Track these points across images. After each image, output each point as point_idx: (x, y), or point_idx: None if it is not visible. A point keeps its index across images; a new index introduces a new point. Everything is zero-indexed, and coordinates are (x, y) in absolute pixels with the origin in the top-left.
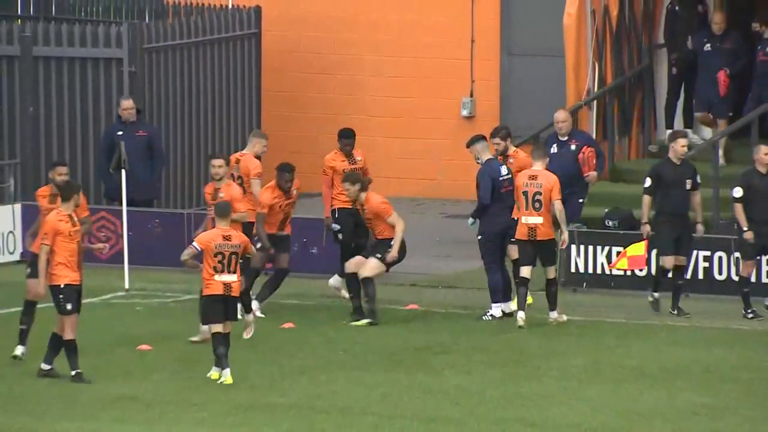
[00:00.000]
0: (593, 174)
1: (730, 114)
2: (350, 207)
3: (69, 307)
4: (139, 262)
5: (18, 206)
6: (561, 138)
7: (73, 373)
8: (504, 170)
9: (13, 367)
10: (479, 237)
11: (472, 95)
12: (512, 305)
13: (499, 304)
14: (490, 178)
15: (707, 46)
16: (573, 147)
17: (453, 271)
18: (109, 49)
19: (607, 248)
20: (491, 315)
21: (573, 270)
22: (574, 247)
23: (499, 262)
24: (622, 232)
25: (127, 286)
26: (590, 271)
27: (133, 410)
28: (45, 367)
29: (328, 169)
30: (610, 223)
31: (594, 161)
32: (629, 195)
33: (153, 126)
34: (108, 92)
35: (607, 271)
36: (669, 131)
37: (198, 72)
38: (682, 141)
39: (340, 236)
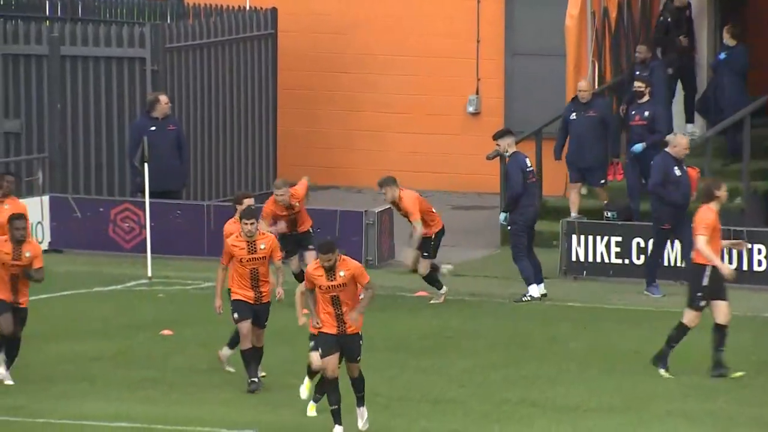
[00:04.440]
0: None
1: (603, 182)
2: None
3: None
4: (162, 252)
5: (46, 198)
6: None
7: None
8: (528, 162)
9: (38, 353)
10: (510, 227)
11: (477, 93)
12: (543, 288)
13: (533, 286)
14: (520, 170)
15: (573, 115)
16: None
17: (460, 260)
18: (132, 49)
19: (606, 238)
20: (530, 296)
21: (573, 259)
22: (574, 237)
23: (527, 249)
24: (620, 222)
25: (150, 274)
26: (590, 260)
27: (157, 392)
28: None
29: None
30: (609, 214)
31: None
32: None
33: (177, 120)
34: (131, 90)
35: (606, 260)
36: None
37: (217, 70)
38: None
39: None
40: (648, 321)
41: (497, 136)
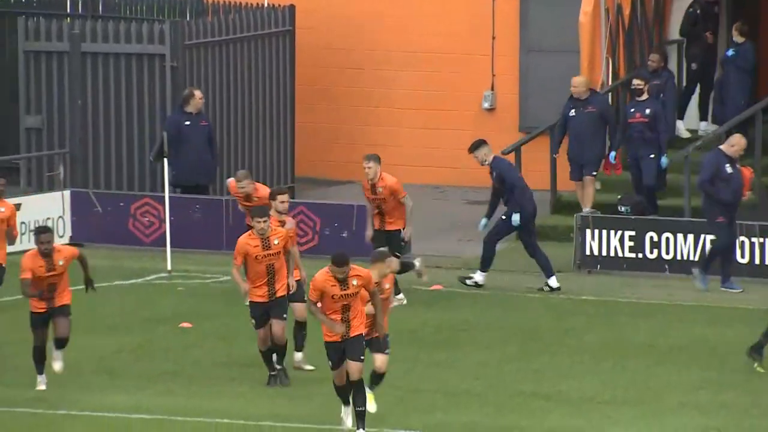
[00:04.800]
0: (749, 194)
1: (594, 173)
2: None
3: None
4: (181, 245)
5: (67, 193)
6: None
7: None
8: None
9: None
10: (518, 224)
11: (492, 89)
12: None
13: (552, 276)
14: (511, 168)
15: (572, 112)
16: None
17: (475, 255)
18: (152, 46)
19: (619, 233)
20: (549, 286)
21: (588, 252)
22: (588, 231)
23: (536, 241)
24: (633, 217)
25: (169, 267)
26: (603, 253)
27: (176, 384)
28: None
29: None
30: (623, 208)
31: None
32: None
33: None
34: (151, 86)
35: (620, 254)
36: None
37: (235, 67)
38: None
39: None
40: (661, 314)
41: (472, 149)
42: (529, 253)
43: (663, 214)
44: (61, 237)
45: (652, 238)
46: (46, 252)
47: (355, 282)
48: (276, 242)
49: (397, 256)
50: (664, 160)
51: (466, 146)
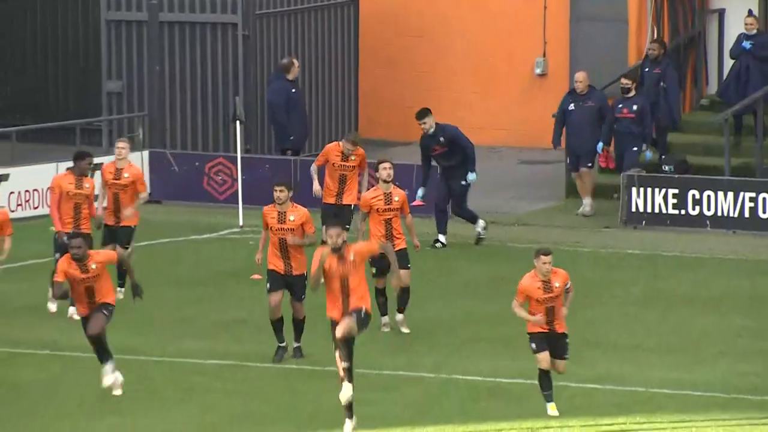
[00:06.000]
0: None
1: (589, 165)
2: (71, 231)
3: None
4: (252, 202)
5: (146, 153)
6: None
7: None
8: None
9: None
10: (467, 183)
11: (544, 55)
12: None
13: (480, 220)
14: (460, 132)
15: (571, 106)
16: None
17: (527, 211)
18: (225, 15)
19: (663, 190)
20: (479, 232)
21: (633, 210)
22: (634, 189)
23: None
24: (676, 175)
25: (241, 223)
26: (648, 210)
27: (246, 332)
28: None
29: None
30: (666, 167)
31: None
32: (683, 143)
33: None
34: (224, 53)
35: (663, 211)
36: None
37: (303, 35)
38: None
39: None
40: (702, 267)
41: (420, 117)
42: (455, 213)
43: (704, 173)
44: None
45: (694, 195)
46: (77, 257)
47: (352, 257)
48: (292, 218)
49: None
50: (648, 155)
51: (520, 110)
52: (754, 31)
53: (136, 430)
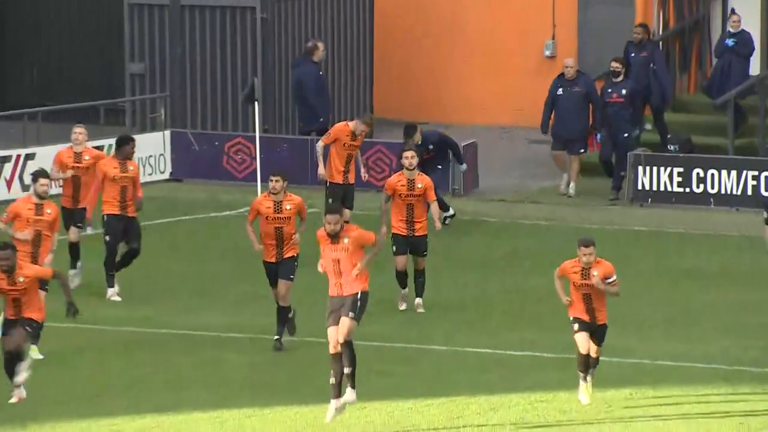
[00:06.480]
0: None
1: (582, 150)
2: (119, 213)
3: None
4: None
5: (168, 133)
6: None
7: None
8: None
9: (161, 271)
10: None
11: (553, 38)
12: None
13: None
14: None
15: (560, 91)
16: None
17: (537, 188)
18: None
19: (668, 169)
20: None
21: (639, 187)
22: (640, 168)
23: None
24: (681, 154)
25: None
26: (654, 188)
27: (264, 307)
28: None
29: (100, 173)
30: (671, 147)
31: None
32: (688, 123)
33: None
34: (243, 36)
35: (669, 189)
36: None
37: (320, 18)
38: None
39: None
40: (707, 243)
41: (410, 134)
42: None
43: (709, 152)
44: (162, 173)
45: (698, 174)
46: (4, 268)
47: (346, 240)
48: (288, 207)
49: None
50: (647, 126)
51: (530, 91)
52: (739, 29)
53: (153, 404)
